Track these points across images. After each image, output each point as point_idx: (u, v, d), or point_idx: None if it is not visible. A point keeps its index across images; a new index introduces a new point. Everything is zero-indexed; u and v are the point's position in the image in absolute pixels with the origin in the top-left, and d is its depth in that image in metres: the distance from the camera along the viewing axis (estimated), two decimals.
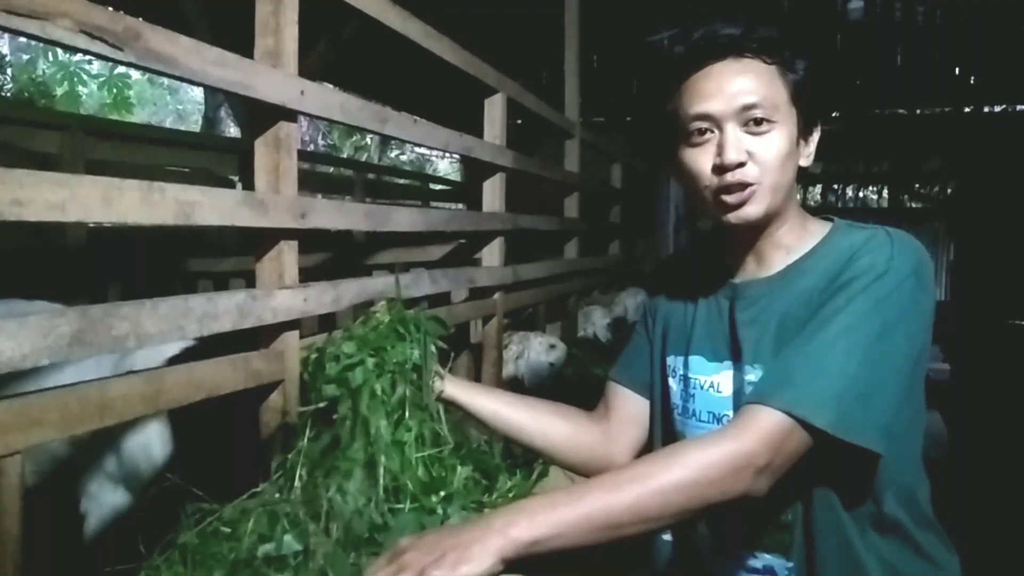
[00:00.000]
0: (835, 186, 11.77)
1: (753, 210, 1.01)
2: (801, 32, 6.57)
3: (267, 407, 1.29)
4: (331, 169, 7.11)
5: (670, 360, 1.16)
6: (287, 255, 1.29)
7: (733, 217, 1.02)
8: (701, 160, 1.02)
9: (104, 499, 1.77)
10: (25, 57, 12.93)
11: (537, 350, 2.72)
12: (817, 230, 1.07)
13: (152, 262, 3.57)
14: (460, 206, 7.86)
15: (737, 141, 0.99)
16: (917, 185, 11.09)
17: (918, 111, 7.38)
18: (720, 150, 0.99)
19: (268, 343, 1.28)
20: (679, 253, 1.74)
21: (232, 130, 10.69)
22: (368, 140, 15.89)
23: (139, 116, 14.96)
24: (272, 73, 1.23)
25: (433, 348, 1.16)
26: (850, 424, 0.89)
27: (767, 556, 1.02)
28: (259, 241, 1.28)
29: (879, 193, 12.33)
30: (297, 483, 1.03)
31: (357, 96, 1.69)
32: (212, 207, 1.10)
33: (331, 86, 5.04)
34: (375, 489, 1.01)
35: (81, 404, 0.93)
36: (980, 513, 2.94)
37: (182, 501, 0.98)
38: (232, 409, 1.26)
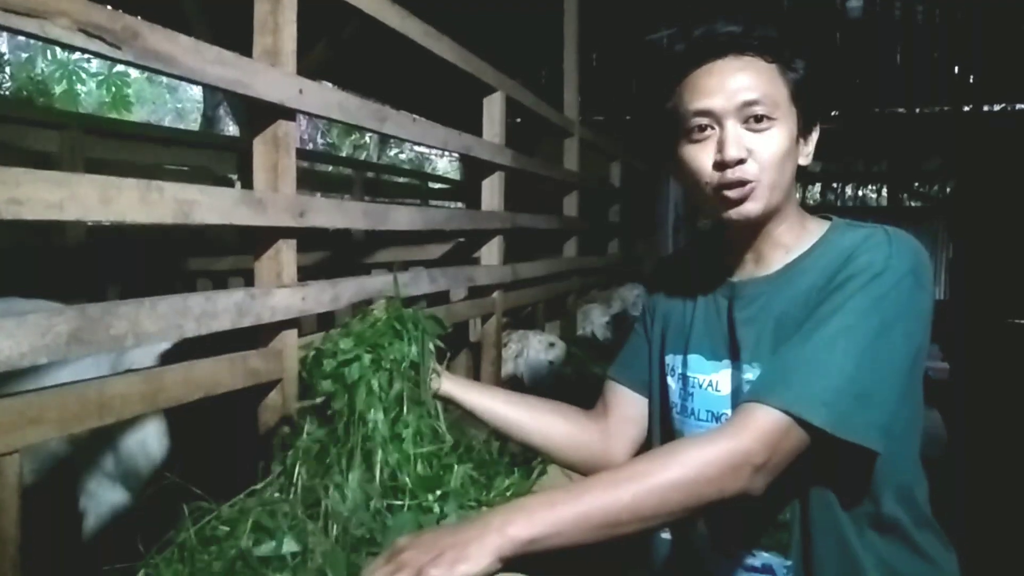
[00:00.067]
0: (834, 185, 11.79)
1: (753, 207, 1.00)
2: (801, 31, 6.57)
3: (265, 406, 1.29)
4: (330, 168, 7.11)
5: (669, 359, 1.16)
6: (285, 254, 1.29)
7: (733, 214, 1.01)
8: (701, 157, 1.02)
9: (103, 497, 1.77)
10: (24, 55, 12.92)
11: (536, 349, 2.72)
12: (816, 229, 1.07)
13: (151, 261, 3.57)
14: (459, 205, 7.86)
15: (738, 138, 0.99)
16: (916, 184, 11.10)
17: (917, 110, 7.38)
18: (720, 146, 0.99)
19: (266, 342, 1.29)
20: (678, 252, 1.74)
21: (231, 129, 10.68)
22: (367, 139, 15.89)
23: (138, 115, 14.94)
24: (271, 72, 1.23)
25: (431, 346, 1.16)
26: (848, 423, 0.89)
27: (765, 555, 1.02)
28: (258, 240, 1.28)
29: (878, 192, 12.34)
30: (295, 482, 1.03)
31: (356, 95, 1.69)
32: (210, 206, 1.10)
33: (330, 85, 5.04)
34: (372, 484, 1.01)
35: (80, 403, 0.93)
36: (979, 512, 2.94)
37: (181, 500, 0.98)
38: (231, 408, 1.26)
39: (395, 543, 0.84)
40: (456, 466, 1.08)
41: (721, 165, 1.00)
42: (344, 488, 1.00)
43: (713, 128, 1.01)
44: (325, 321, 1.79)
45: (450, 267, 2.08)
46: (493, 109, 2.37)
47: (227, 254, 3.52)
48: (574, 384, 2.58)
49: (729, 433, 0.90)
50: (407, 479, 1.03)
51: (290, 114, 1.29)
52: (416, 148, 16.10)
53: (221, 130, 11.19)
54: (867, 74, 7.15)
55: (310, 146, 14.23)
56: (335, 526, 0.96)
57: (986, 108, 7.34)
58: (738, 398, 1.02)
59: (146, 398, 1.03)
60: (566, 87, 3.79)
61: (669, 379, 1.15)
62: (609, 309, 3.57)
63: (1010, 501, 3.24)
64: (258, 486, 1.05)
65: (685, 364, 1.12)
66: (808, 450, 0.90)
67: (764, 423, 0.89)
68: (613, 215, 4.76)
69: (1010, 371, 5.22)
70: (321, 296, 1.36)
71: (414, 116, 1.86)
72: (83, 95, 12.38)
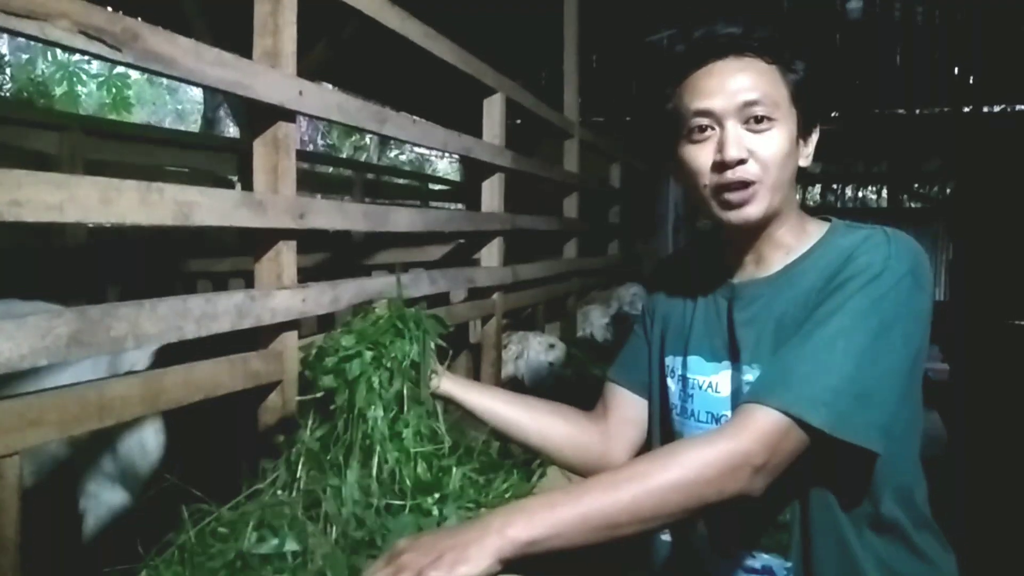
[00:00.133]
0: (834, 186, 11.78)
1: (754, 210, 1.01)
2: (801, 32, 6.58)
3: (266, 407, 1.29)
4: (330, 169, 7.10)
5: (668, 360, 1.16)
6: (286, 255, 1.29)
7: (734, 216, 1.02)
8: (701, 157, 1.02)
9: (102, 497, 1.77)
10: (24, 57, 12.94)
11: (536, 350, 2.72)
12: (815, 230, 1.07)
13: (151, 262, 3.57)
14: (459, 206, 7.86)
15: (738, 138, 0.99)
16: (916, 185, 11.09)
17: (917, 111, 7.37)
18: (721, 147, 1.00)
19: (267, 343, 1.29)
20: (678, 253, 1.74)
21: (231, 130, 10.68)
22: (367, 140, 15.89)
23: (138, 116, 14.95)
24: (271, 73, 1.23)
25: (432, 346, 1.16)
26: (847, 423, 0.89)
27: (765, 556, 1.02)
28: (258, 241, 1.28)
29: (878, 193, 12.34)
30: (296, 482, 1.03)
31: (356, 96, 1.69)
32: (210, 207, 1.10)
33: (330, 86, 5.04)
34: (371, 483, 1.01)
35: (79, 405, 0.93)
36: (979, 513, 2.94)
37: (181, 501, 0.98)
38: (231, 409, 1.26)
39: (395, 545, 0.84)
40: (455, 468, 1.08)
41: (721, 166, 1.00)
42: (344, 488, 1.00)
43: (713, 129, 1.01)
44: (325, 323, 1.79)
45: (450, 268, 2.08)
46: (493, 110, 2.37)
47: (227, 255, 3.52)
48: (574, 385, 2.58)
49: (728, 434, 0.90)
50: (406, 479, 1.03)
51: (290, 116, 1.29)
52: (416, 149, 16.12)
53: (221, 132, 11.19)
54: (867, 75, 7.14)
55: (310, 147, 14.23)
56: (335, 528, 0.96)
57: (986, 109, 7.33)
58: (738, 399, 1.02)
59: (146, 400, 1.03)
60: (566, 88, 3.79)
61: (669, 380, 1.15)
62: (609, 310, 3.57)
63: (1010, 502, 3.24)
64: (259, 486, 1.05)
65: (685, 365, 1.12)
66: (808, 451, 0.91)
67: (763, 424, 0.89)
68: (613, 216, 4.76)
69: (1010, 372, 5.22)
70: (321, 298, 1.36)
71: (414, 117, 1.86)
72: (83, 96, 12.39)
